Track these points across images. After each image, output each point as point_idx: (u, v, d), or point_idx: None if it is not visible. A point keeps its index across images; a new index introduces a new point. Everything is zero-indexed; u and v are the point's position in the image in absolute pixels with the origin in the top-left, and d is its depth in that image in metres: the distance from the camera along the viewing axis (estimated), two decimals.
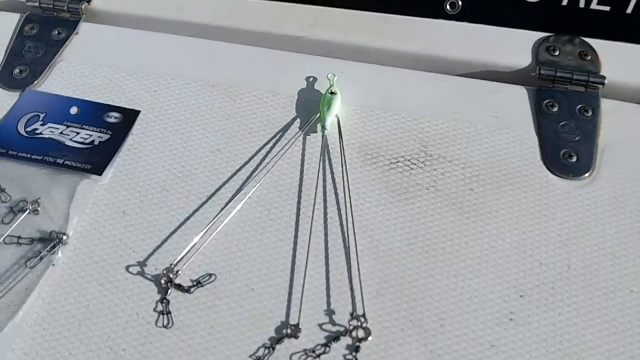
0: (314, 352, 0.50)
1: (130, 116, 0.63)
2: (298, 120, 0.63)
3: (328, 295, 0.52)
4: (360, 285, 0.52)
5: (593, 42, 0.66)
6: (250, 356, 0.50)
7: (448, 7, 0.68)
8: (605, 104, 0.63)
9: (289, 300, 0.52)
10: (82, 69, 0.67)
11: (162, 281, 0.53)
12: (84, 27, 0.71)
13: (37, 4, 0.71)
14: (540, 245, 0.54)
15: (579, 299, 0.52)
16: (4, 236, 0.55)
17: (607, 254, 0.54)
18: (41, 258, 0.54)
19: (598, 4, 0.66)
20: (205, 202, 0.57)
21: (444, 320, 0.51)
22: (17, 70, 0.67)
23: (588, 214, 0.56)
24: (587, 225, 0.55)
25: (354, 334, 0.50)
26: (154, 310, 0.52)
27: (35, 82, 0.66)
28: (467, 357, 0.49)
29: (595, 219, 0.56)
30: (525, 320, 0.51)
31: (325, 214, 0.56)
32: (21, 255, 0.55)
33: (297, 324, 0.50)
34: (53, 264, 0.54)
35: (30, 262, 0.54)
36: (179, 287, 0.53)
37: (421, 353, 0.49)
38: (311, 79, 0.65)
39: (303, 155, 0.60)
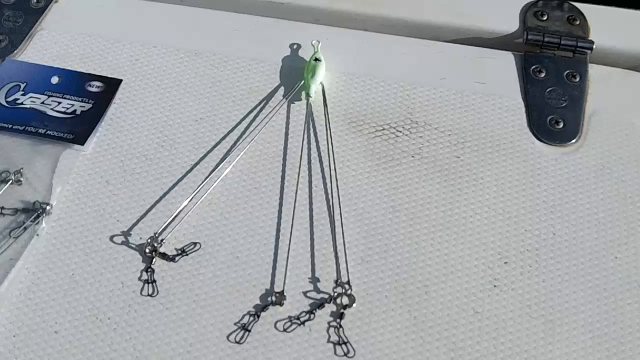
0: (298, 319, 0.50)
1: (112, 85, 0.62)
2: (282, 88, 0.62)
3: (312, 263, 0.52)
4: (345, 253, 0.52)
5: (582, 6, 0.65)
6: (235, 323, 0.50)
7: None
8: (593, 70, 0.62)
9: (274, 268, 0.52)
10: (62, 37, 0.66)
11: (147, 250, 0.53)
12: None
13: None
14: (526, 212, 0.54)
15: (563, 265, 0.52)
16: None
17: (592, 221, 0.54)
18: (25, 228, 0.54)
19: None
20: (189, 170, 0.57)
21: (428, 287, 0.51)
22: None
23: (574, 181, 0.56)
24: (572, 192, 0.55)
25: (338, 301, 0.50)
26: (139, 279, 0.52)
27: (15, 51, 0.65)
28: (450, 324, 0.49)
29: (581, 185, 0.56)
30: (509, 287, 0.51)
31: (310, 181, 0.56)
32: (5, 226, 0.54)
33: (282, 292, 0.51)
34: (37, 234, 0.54)
35: (14, 233, 0.54)
36: (163, 256, 0.53)
37: (405, 319, 0.50)
38: (295, 46, 0.64)
39: (287, 123, 0.60)
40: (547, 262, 0.52)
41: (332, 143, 0.58)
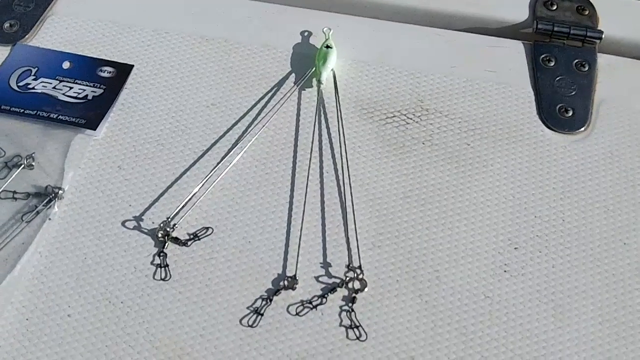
0: (310, 303, 0.50)
1: (124, 71, 0.62)
2: (293, 74, 0.62)
3: (324, 248, 0.53)
4: (357, 238, 0.53)
5: None
6: (247, 307, 0.50)
7: None
8: (602, 59, 0.63)
9: (286, 253, 0.52)
10: (73, 23, 0.66)
11: (159, 235, 0.53)
12: None
13: None
14: (535, 199, 0.55)
15: (572, 251, 0.52)
16: None
17: (601, 207, 0.54)
18: (37, 212, 0.54)
19: None
20: (201, 156, 0.57)
21: (439, 272, 0.51)
22: (7, 25, 0.66)
23: (583, 168, 0.56)
24: (581, 179, 0.56)
25: (350, 285, 0.51)
26: (152, 263, 0.52)
27: (26, 36, 0.65)
28: (461, 308, 0.50)
29: (590, 172, 0.56)
30: (519, 272, 0.51)
31: (322, 167, 0.57)
32: (17, 210, 0.55)
33: (294, 276, 0.51)
34: (49, 219, 0.54)
35: (26, 217, 0.54)
36: (176, 240, 0.53)
37: (416, 304, 0.50)
38: (306, 33, 0.65)
39: (299, 109, 0.60)
40: (556, 247, 0.52)
41: (343, 129, 0.58)
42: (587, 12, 0.64)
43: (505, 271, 0.51)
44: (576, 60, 0.62)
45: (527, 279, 0.51)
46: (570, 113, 0.59)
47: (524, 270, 0.51)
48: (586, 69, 0.61)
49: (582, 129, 0.58)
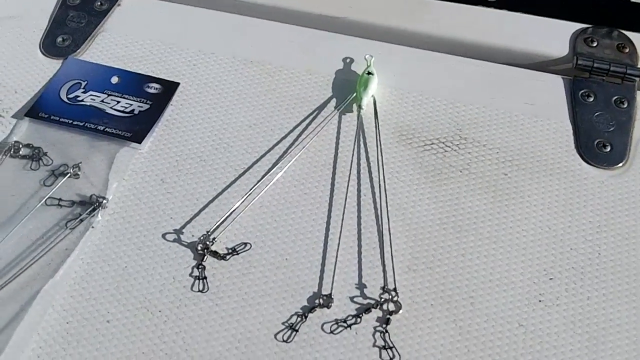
0: (345, 322, 0.51)
1: (170, 88, 0.64)
2: (334, 99, 0.64)
3: (360, 269, 0.53)
4: (392, 261, 0.53)
5: (632, 35, 0.66)
6: (283, 323, 0.51)
7: None
8: None
9: (322, 272, 0.53)
10: (123, 40, 0.68)
11: (199, 247, 0.54)
12: None
13: None
14: (572, 232, 0.55)
15: (607, 284, 0.52)
16: (45, 198, 0.57)
17: (637, 243, 0.54)
18: (81, 220, 0.56)
19: None
20: (242, 174, 0.59)
21: (474, 299, 0.52)
22: (60, 39, 0.69)
23: (620, 203, 0.56)
24: (618, 214, 0.56)
25: (384, 306, 0.51)
26: (190, 275, 0.53)
27: (78, 50, 0.68)
28: (495, 336, 0.50)
29: (627, 208, 0.56)
30: (553, 302, 0.51)
31: (359, 190, 0.57)
32: (61, 217, 0.56)
33: (330, 294, 0.52)
34: (92, 227, 0.56)
35: (70, 224, 0.56)
36: (214, 254, 0.54)
37: (451, 329, 0.50)
38: (348, 60, 0.66)
39: (338, 133, 0.61)
40: (592, 280, 0.52)
41: (381, 154, 0.59)
42: (627, 50, 0.65)
43: (540, 301, 0.52)
44: (615, 97, 0.62)
45: (562, 310, 0.51)
46: (609, 148, 0.59)
47: (558, 301, 0.51)
48: (625, 105, 0.62)
49: (620, 164, 0.59)
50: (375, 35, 0.68)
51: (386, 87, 0.64)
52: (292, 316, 0.51)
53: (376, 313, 0.51)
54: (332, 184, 0.58)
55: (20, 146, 0.60)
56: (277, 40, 0.68)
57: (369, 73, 0.63)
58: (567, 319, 0.51)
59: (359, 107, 0.61)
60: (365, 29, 0.69)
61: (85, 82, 0.65)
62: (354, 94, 0.63)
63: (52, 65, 0.67)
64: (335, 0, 0.70)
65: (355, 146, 0.60)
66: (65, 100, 0.63)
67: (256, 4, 0.71)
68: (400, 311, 0.51)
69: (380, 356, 0.49)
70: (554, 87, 0.64)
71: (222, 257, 0.54)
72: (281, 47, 0.67)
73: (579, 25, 0.67)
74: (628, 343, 0.50)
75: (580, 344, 0.50)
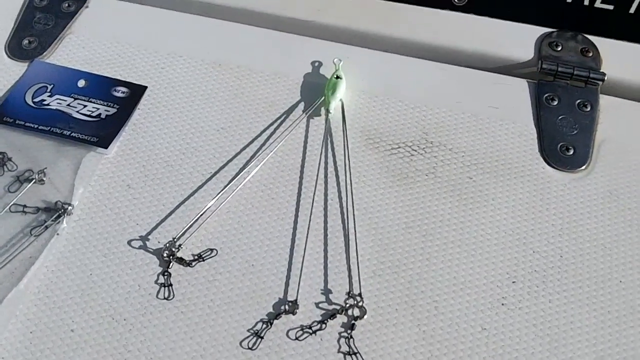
0: (310, 328, 0.51)
1: (137, 91, 0.64)
2: (303, 103, 0.64)
3: (326, 274, 0.54)
4: (358, 266, 0.54)
5: (595, 39, 0.67)
6: (248, 330, 0.51)
7: None
8: (604, 100, 0.64)
9: (288, 278, 0.53)
10: (90, 42, 0.68)
11: (164, 254, 0.54)
12: (93, 0, 0.71)
13: None
14: (535, 234, 0.56)
15: (569, 287, 0.53)
16: (9, 204, 0.56)
17: (598, 245, 0.55)
18: (46, 227, 0.55)
19: (602, 2, 0.67)
20: (209, 178, 0.59)
21: (438, 303, 0.52)
22: (26, 41, 0.68)
23: (582, 206, 0.57)
24: (580, 216, 0.57)
25: (350, 312, 0.52)
26: (156, 282, 0.53)
27: (44, 53, 0.67)
28: (458, 339, 0.51)
29: (589, 210, 0.57)
30: (516, 306, 0.52)
31: (326, 195, 0.58)
32: (26, 223, 0.56)
33: (295, 301, 0.52)
34: (58, 234, 0.55)
35: (35, 231, 0.55)
36: (180, 260, 0.54)
37: (414, 333, 0.51)
38: (317, 63, 0.66)
39: (306, 137, 0.61)
40: (554, 283, 0.53)
41: (349, 158, 0.59)
42: (590, 54, 0.66)
43: (503, 304, 0.52)
44: (579, 101, 0.63)
45: (524, 313, 0.52)
46: (572, 152, 0.60)
47: (521, 304, 0.52)
48: (588, 109, 0.63)
49: (583, 167, 0.60)
50: (344, 38, 0.68)
51: (354, 90, 0.64)
52: (257, 323, 0.51)
53: (341, 319, 0.51)
54: (300, 189, 0.58)
55: None
56: (246, 43, 0.68)
57: (337, 77, 0.63)
58: (529, 322, 0.51)
59: (327, 110, 0.62)
60: (334, 32, 0.69)
61: (52, 86, 0.64)
62: (322, 98, 0.63)
63: (18, 68, 0.66)
64: (304, 4, 0.70)
65: (323, 150, 0.60)
66: (31, 104, 0.63)
67: (225, 7, 0.71)
68: (365, 316, 0.51)
69: None
70: (519, 90, 0.64)
71: (188, 264, 0.54)
72: (250, 50, 0.67)
73: (544, 30, 0.67)
74: (588, 345, 0.50)
75: (542, 346, 0.50)
